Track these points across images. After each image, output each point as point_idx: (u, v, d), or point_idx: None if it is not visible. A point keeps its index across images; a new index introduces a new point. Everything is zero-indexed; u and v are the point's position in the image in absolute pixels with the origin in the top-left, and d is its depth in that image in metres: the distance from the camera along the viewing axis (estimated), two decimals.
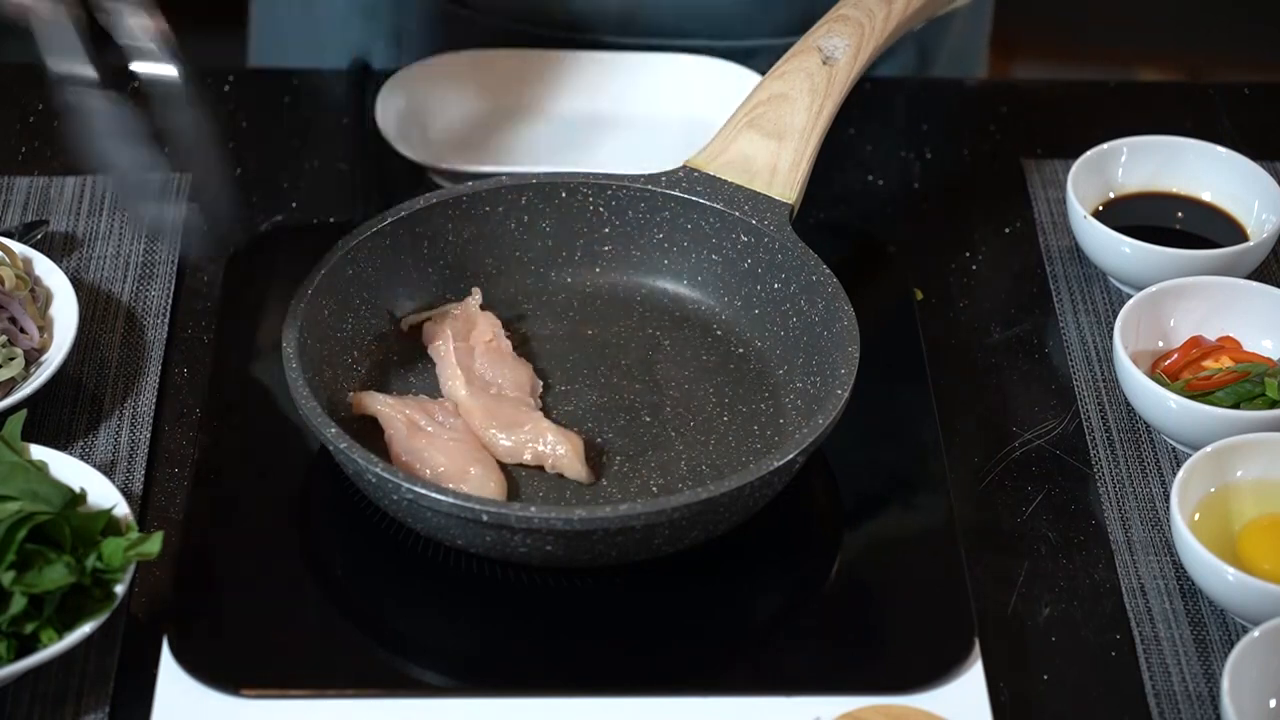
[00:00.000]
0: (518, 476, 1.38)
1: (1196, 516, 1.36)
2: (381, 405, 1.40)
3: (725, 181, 1.48)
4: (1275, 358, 1.47)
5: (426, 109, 1.71)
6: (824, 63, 1.49)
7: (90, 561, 1.26)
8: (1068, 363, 1.52)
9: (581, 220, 1.52)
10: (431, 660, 1.31)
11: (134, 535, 1.28)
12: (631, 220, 1.51)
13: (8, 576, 1.23)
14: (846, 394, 1.35)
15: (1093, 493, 1.43)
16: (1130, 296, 1.49)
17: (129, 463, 1.42)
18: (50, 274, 1.50)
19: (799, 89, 1.49)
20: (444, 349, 1.45)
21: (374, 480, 1.30)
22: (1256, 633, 1.25)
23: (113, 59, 1.36)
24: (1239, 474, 1.37)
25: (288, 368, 1.36)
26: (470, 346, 1.45)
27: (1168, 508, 1.36)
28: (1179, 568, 1.36)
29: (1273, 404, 1.42)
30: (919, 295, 1.57)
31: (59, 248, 1.59)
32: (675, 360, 1.48)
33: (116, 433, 1.44)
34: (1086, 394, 1.49)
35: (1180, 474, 1.35)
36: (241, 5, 2.05)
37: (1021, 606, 1.35)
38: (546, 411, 1.43)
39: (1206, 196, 1.62)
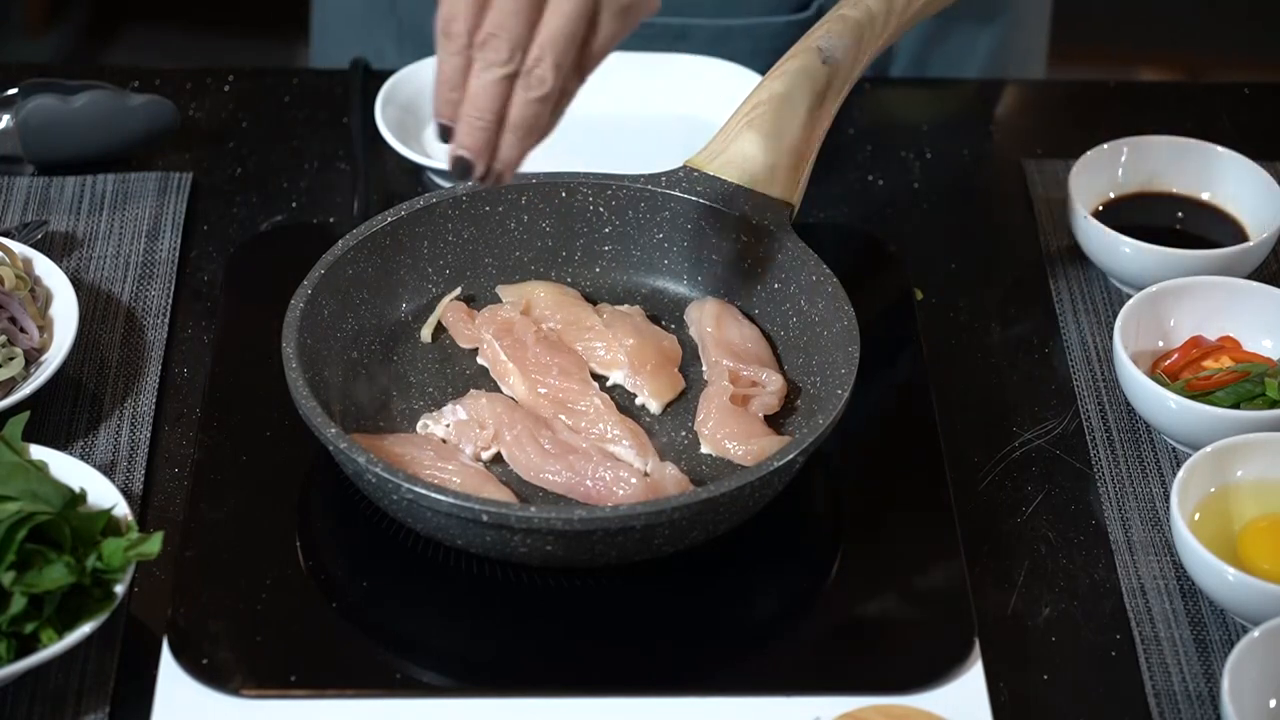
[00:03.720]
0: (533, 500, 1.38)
1: (1196, 516, 1.36)
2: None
3: (725, 181, 1.48)
4: (1275, 358, 1.47)
5: (426, 109, 1.70)
6: (824, 63, 1.49)
7: (90, 561, 1.26)
8: (1068, 363, 1.52)
9: (581, 220, 1.52)
10: (431, 660, 1.31)
11: (134, 535, 1.28)
12: (631, 220, 1.51)
13: (8, 576, 1.23)
14: (847, 394, 1.35)
15: (1093, 493, 1.43)
16: (1130, 296, 1.49)
17: (129, 463, 1.42)
18: (50, 274, 1.50)
19: (799, 89, 1.48)
20: (492, 349, 1.45)
21: (374, 480, 1.30)
22: (1256, 633, 1.25)
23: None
24: (1239, 474, 1.37)
25: (288, 368, 1.36)
26: (520, 340, 1.44)
27: (1168, 508, 1.36)
28: (1179, 568, 1.36)
29: (1273, 404, 1.42)
30: (919, 295, 1.57)
31: (59, 248, 1.59)
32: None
33: (116, 433, 1.44)
34: (1086, 394, 1.49)
35: (1180, 474, 1.35)
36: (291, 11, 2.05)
37: (1021, 606, 1.35)
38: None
39: (1206, 196, 1.62)
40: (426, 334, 1.48)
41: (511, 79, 1.25)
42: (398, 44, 1.86)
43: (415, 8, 1.84)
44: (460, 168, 1.27)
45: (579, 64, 1.27)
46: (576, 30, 1.25)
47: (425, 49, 1.80)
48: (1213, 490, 1.37)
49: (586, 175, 1.51)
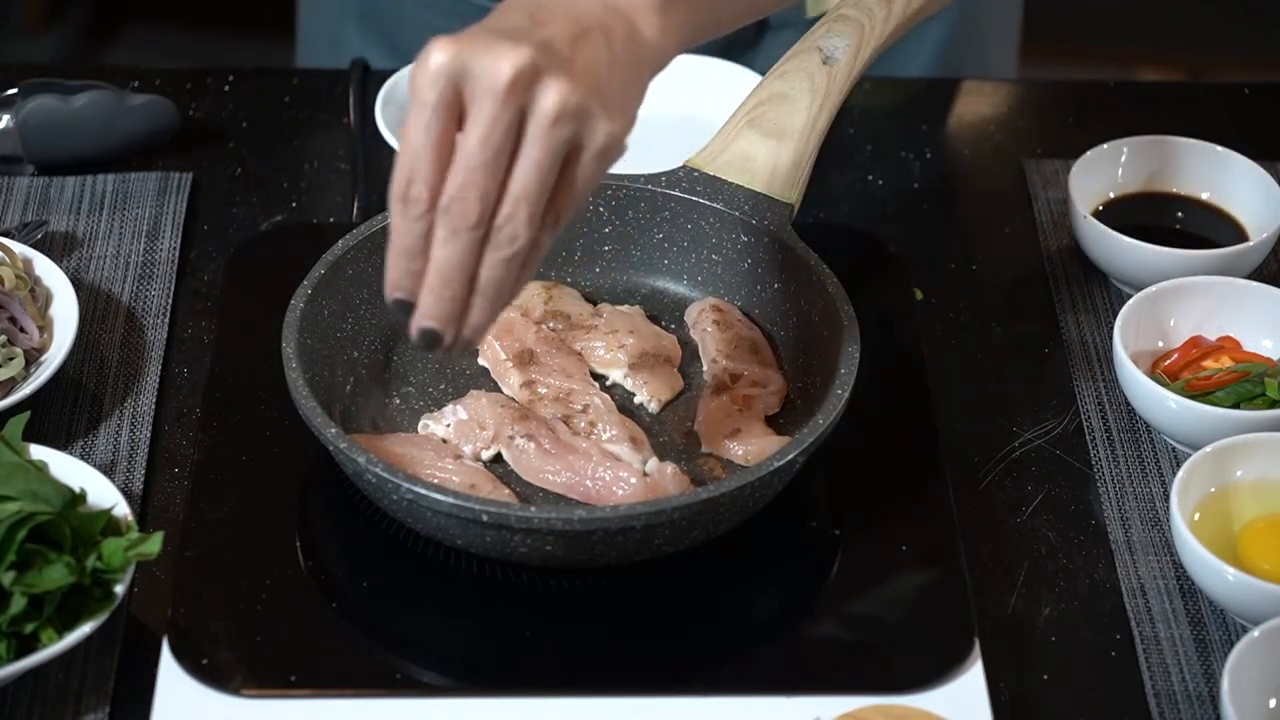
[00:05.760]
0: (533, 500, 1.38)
1: (1196, 516, 1.36)
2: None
3: (725, 181, 1.48)
4: (1275, 358, 1.47)
5: None
6: (824, 63, 1.49)
7: (90, 561, 1.26)
8: (1068, 363, 1.52)
9: (581, 220, 1.52)
10: (431, 660, 1.31)
11: (134, 535, 1.28)
12: (631, 220, 1.51)
13: (8, 576, 1.23)
14: (846, 394, 1.35)
15: (1093, 493, 1.43)
16: (1130, 296, 1.49)
17: (129, 463, 1.42)
18: (50, 274, 1.50)
19: (799, 89, 1.48)
20: (492, 349, 1.45)
21: (374, 480, 1.30)
22: (1256, 633, 1.25)
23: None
24: (1239, 474, 1.37)
25: (288, 368, 1.36)
26: (520, 340, 1.44)
27: (1168, 508, 1.36)
28: (1179, 568, 1.36)
29: (1273, 404, 1.42)
30: (919, 295, 1.57)
31: (59, 248, 1.59)
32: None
33: (116, 433, 1.44)
34: (1086, 394, 1.49)
35: (1180, 474, 1.35)
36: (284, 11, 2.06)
37: (1021, 606, 1.35)
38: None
39: (1206, 196, 1.62)
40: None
41: (481, 240, 1.15)
42: (361, 44, 1.87)
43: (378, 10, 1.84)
44: (427, 339, 1.17)
45: (553, 215, 1.17)
46: (549, 180, 1.15)
47: (393, 51, 1.82)
48: (1213, 490, 1.37)
49: None
